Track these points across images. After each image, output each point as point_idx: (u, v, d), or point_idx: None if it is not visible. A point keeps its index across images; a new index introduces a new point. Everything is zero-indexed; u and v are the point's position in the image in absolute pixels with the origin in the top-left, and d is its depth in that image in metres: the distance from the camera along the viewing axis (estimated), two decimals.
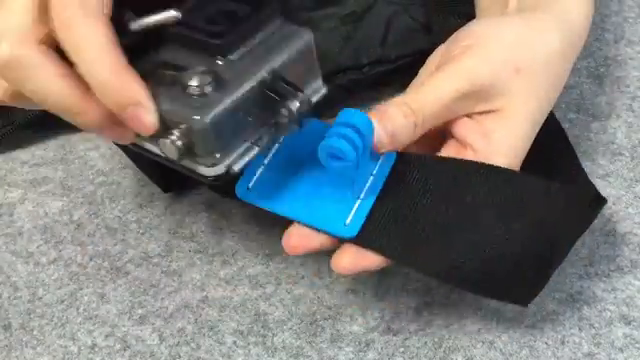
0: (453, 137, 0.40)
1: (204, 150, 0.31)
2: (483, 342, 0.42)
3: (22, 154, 0.53)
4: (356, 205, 0.36)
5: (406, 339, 0.42)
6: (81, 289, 0.45)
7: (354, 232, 0.35)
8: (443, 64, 0.40)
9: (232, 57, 0.31)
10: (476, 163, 0.38)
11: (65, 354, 0.43)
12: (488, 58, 0.39)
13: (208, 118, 0.30)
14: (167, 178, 0.49)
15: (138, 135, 0.33)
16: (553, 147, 0.43)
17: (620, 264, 0.45)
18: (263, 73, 0.31)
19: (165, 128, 0.31)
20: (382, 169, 0.37)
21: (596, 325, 0.42)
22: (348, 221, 0.35)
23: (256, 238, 0.47)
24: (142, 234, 0.48)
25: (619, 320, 0.42)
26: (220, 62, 0.31)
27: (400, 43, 0.54)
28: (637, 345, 0.41)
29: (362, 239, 0.36)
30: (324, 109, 0.54)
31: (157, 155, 0.34)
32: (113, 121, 0.33)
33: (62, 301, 0.45)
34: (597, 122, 0.52)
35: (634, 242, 0.46)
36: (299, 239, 0.37)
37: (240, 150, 0.32)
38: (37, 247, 0.48)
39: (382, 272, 0.45)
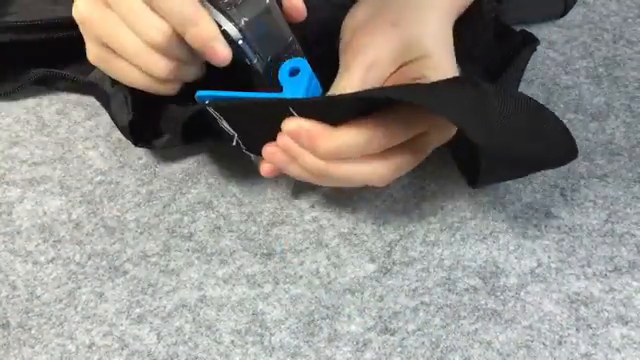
0: None
1: None
2: (480, 342, 0.42)
3: (21, 153, 0.53)
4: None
5: (403, 339, 0.42)
6: (79, 288, 0.45)
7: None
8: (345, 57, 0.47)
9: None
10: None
11: (63, 353, 0.43)
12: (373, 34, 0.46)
13: None
14: (137, 132, 0.51)
15: None
16: None
17: (618, 265, 0.45)
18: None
19: None
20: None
21: (593, 325, 0.42)
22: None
23: (254, 238, 0.47)
24: (140, 233, 0.48)
25: (616, 320, 0.42)
26: None
27: None
28: (634, 345, 0.41)
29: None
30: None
31: None
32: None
33: (60, 300, 0.45)
34: (595, 122, 0.52)
35: (632, 243, 0.46)
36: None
37: None
38: (35, 246, 0.48)
39: (380, 272, 0.45)
